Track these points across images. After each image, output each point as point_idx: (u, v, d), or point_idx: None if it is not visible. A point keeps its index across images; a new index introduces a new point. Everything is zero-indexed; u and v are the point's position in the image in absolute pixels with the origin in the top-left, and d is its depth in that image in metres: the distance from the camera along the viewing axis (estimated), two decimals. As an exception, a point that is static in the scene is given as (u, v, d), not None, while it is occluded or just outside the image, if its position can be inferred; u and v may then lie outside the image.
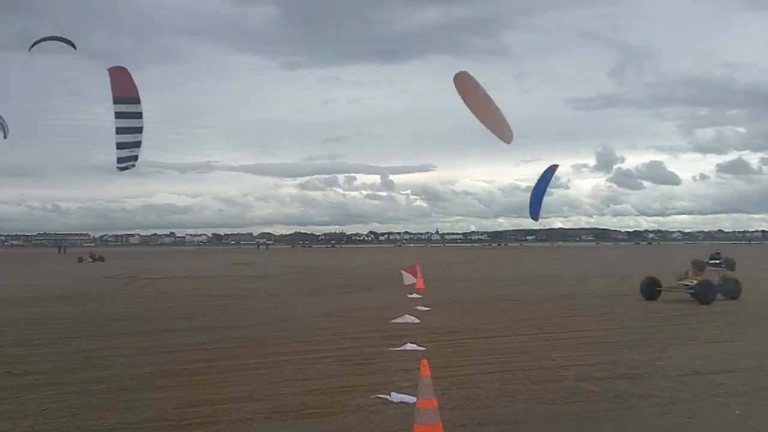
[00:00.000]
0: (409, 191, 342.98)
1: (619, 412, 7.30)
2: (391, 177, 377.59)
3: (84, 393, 8.22)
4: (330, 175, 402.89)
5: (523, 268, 42.28)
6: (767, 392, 8.17)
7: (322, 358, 10.48)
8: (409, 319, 14.72)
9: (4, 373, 9.49)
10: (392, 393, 7.81)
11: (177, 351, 11.29)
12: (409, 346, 11.21)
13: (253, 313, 17.25)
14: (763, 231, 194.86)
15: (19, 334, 13.52)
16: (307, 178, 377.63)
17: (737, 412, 7.24)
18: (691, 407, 7.41)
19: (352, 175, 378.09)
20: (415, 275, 24.78)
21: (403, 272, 25.17)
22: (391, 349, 11.12)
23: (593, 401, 7.69)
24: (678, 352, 10.76)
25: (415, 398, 6.44)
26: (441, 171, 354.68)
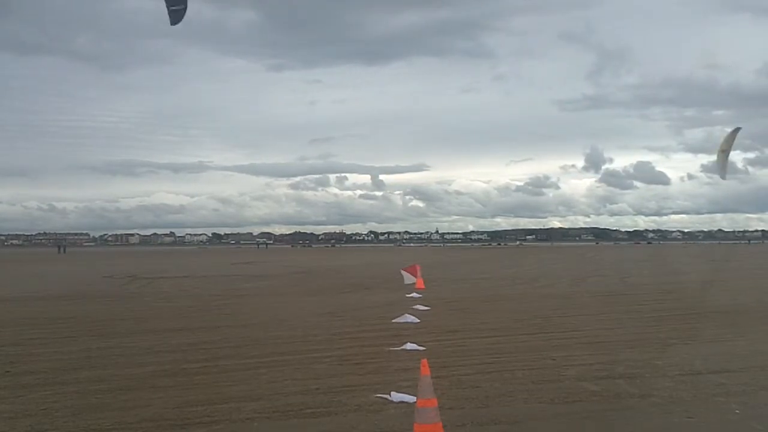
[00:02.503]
0: (401, 192, 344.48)
1: (619, 411, 7.30)
2: (386, 177, 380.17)
3: (84, 393, 8.22)
4: (322, 175, 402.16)
5: (523, 267, 42.27)
6: (767, 392, 8.18)
7: (322, 357, 10.48)
8: (409, 318, 14.72)
9: (3, 373, 9.49)
10: (392, 393, 7.81)
11: (177, 351, 11.29)
12: (409, 346, 11.21)
13: (253, 312, 17.24)
14: (763, 231, 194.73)
15: (19, 334, 13.52)
16: (299, 178, 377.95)
17: (737, 412, 7.24)
18: (691, 407, 7.41)
19: (346, 175, 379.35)
20: (414, 275, 24.83)
21: (402, 272, 25.28)
22: (391, 348, 11.12)
23: (593, 401, 7.69)
24: (678, 352, 10.76)
25: (415, 398, 6.45)
26: (435, 171, 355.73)
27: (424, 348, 10.96)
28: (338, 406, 7.52)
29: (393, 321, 14.52)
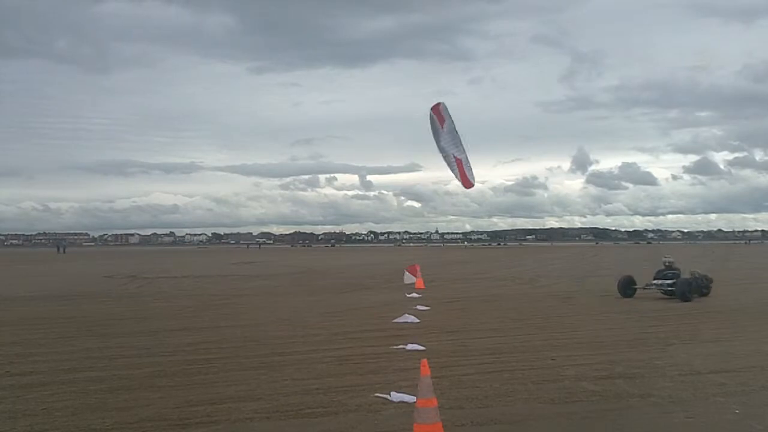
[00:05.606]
0: (394, 192, 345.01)
1: (619, 411, 7.30)
2: (379, 177, 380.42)
3: (84, 393, 8.22)
4: (313, 176, 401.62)
5: (523, 267, 42.25)
6: (767, 392, 8.18)
7: (322, 357, 10.48)
8: (409, 318, 14.73)
9: (3, 373, 9.49)
10: (392, 392, 7.82)
11: (177, 351, 11.29)
12: (410, 346, 11.21)
13: (253, 312, 17.25)
14: (762, 230, 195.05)
15: (19, 334, 13.52)
16: (290, 179, 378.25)
17: (737, 411, 7.25)
18: (691, 407, 7.42)
19: (337, 175, 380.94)
20: (414, 275, 24.89)
21: (405, 272, 25.39)
22: (391, 348, 11.13)
23: (593, 401, 7.69)
24: (678, 352, 10.76)
25: (414, 398, 6.45)
26: (428, 172, 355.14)
27: (424, 348, 10.96)
28: (338, 406, 7.52)
29: (393, 321, 14.53)
